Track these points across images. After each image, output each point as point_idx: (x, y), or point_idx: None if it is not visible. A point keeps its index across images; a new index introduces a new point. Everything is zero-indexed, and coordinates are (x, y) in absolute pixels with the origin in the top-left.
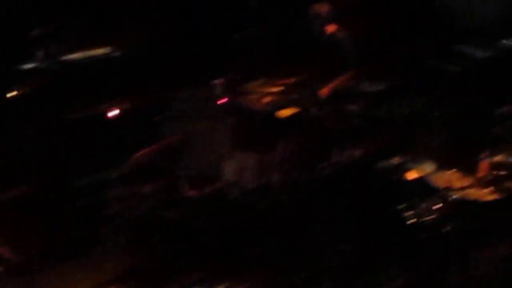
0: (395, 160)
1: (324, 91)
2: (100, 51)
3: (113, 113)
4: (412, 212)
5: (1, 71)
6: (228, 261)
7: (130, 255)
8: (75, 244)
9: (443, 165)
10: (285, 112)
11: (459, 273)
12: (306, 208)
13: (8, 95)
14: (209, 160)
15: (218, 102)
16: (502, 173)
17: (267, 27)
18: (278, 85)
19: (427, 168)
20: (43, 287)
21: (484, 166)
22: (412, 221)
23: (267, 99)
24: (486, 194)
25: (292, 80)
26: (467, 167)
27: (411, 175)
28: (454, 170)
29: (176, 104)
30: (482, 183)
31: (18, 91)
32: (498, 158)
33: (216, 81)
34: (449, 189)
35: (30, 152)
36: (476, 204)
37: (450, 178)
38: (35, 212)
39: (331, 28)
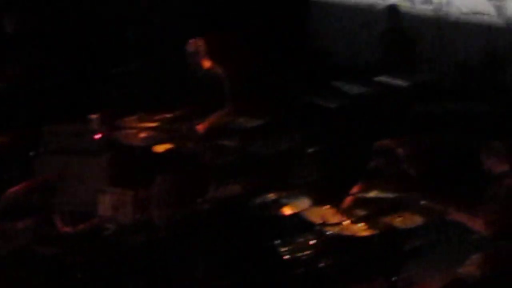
0: (271, 196)
1: (201, 127)
2: None
3: None
4: (288, 248)
5: None
6: None
7: None
8: None
9: (318, 201)
10: (161, 148)
11: None
12: (183, 244)
13: None
14: (84, 195)
15: (94, 137)
16: (376, 209)
17: (144, 62)
18: (154, 120)
19: (302, 204)
20: None
21: (348, 201)
22: (287, 256)
23: (143, 134)
24: (360, 230)
25: (168, 115)
26: (342, 203)
27: (287, 210)
28: (328, 206)
29: (51, 139)
30: (356, 219)
31: None
32: (371, 194)
33: (92, 116)
34: (324, 224)
35: None
36: (351, 239)
37: (325, 214)
38: None
39: (207, 64)
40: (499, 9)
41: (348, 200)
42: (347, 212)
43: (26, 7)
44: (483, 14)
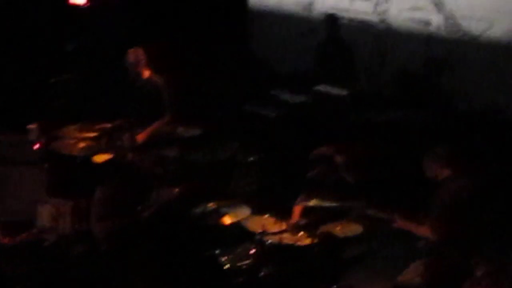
0: (211, 205)
1: (140, 136)
2: None
3: None
4: (228, 257)
5: None
6: None
7: None
8: None
9: (258, 210)
10: (101, 158)
11: None
12: (123, 254)
13: None
14: (23, 206)
15: (33, 147)
16: (315, 218)
17: (83, 72)
18: (94, 130)
19: (242, 213)
20: None
21: (297, 211)
22: (228, 266)
23: (82, 144)
24: (301, 239)
25: (108, 125)
26: (282, 212)
27: (227, 220)
28: (268, 215)
29: None
30: (296, 228)
31: None
32: (311, 202)
33: (31, 126)
34: (264, 233)
35: None
36: (291, 248)
37: (265, 223)
38: None
39: (146, 74)
40: (438, 6)
41: (297, 210)
42: (287, 221)
43: None
44: (422, 9)
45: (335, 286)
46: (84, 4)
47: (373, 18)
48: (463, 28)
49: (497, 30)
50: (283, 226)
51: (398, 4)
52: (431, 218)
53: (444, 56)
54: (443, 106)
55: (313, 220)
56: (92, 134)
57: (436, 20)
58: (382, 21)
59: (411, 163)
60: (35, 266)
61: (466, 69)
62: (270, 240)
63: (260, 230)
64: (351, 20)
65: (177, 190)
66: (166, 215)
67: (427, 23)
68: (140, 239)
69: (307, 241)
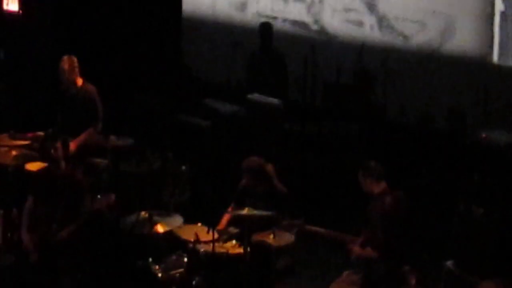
0: (143, 214)
1: (73, 145)
2: None
3: None
4: (160, 266)
5: None
6: None
7: None
8: None
9: (190, 219)
10: (33, 166)
11: None
12: (53, 265)
13: None
14: None
15: None
16: (248, 226)
17: (14, 80)
18: (26, 139)
19: (175, 221)
20: None
21: (225, 219)
22: (160, 275)
23: (14, 153)
24: (233, 248)
25: (40, 133)
26: (214, 221)
27: (159, 228)
28: (200, 224)
29: None
30: (225, 236)
31: None
32: (244, 211)
33: None
34: (196, 242)
35: None
36: (224, 257)
37: (198, 232)
38: None
39: (79, 82)
40: (370, 7)
41: (224, 218)
42: (221, 230)
43: None
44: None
45: None
46: (17, 12)
47: (307, 19)
48: (396, 29)
49: (429, 32)
50: (216, 235)
51: (331, 5)
52: (367, 232)
53: (376, 66)
54: (373, 119)
55: (245, 229)
56: (24, 142)
57: (368, 21)
58: (316, 22)
59: (346, 174)
60: None
61: (399, 77)
62: (203, 249)
63: (192, 239)
64: (285, 22)
65: (109, 199)
66: (97, 224)
67: (360, 24)
68: (72, 249)
69: (240, 250)
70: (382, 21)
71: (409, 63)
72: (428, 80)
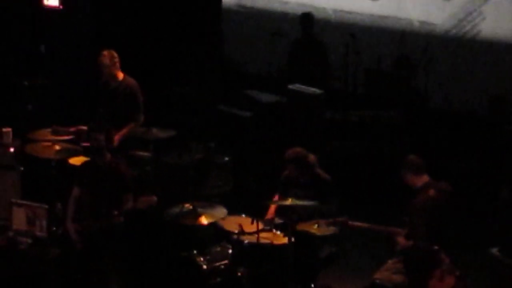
0: (187, 206)
1: (115, 138)
2: None
3: None
4: (205, 257)
5: None
6: None
7: None
8: None
9: (234, 210)
10: (76, 160)
11: None
12: (99, 256)
13: None
14: None
15: (8, 150)
16: (291, 216)
17: (56, 76)
18: (68, 133)
19: (219, 213)
20: None
21: (271, 209)
22: (205, 266)
23: (57, 147)
24: (278, 238)
25: (82, 127)
26: (258, 212)
27: (203, 220)
28: (244, 215)
29: None
30: (272, 226)
31: None
32: (287, 202)
33: (5, 130)
34: (241, 233)
35: None
36: (268, 247)
37: (242, 223)
38: None
39: (120, 76)
40: None
41: (272, 208)
42: (268, 220)
43: None
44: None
45: (312, 285)
46: (57, 7)
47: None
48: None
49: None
50: (260, 225)
51: None
52: (411, 223)
53: (417, 53)
54: (416, 104)
55: (289, 219)
56: (66, 137)
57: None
58: (355, 10)
59: (386, 162)
60: (11, 270)
61: (440, 64)
62: (247, 239)
63: (237, 230)
64: (324, 11)
65: (151, 200)
66: (142, 216)
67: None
68: (117, 240)
69: (284, 240)
70: None
71: (450, 50)
72: (470, 67)
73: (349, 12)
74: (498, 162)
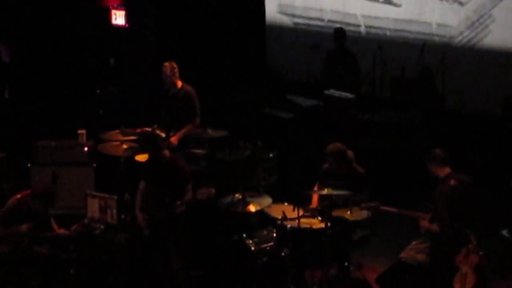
0: (238, 196)
1: (175, 138)
2: None
3: None
4: (253, 240)
5: None
6: None
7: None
8: None
9: (278, 199)
10: (142, 157)
11: None
12: (163, 240)
13: None
14: (75, 200)
15: (82, 149)
16: (328, 204)
17: (124, 84)
18: (134, 134)
19: (265, 202)
20: None
21: (315, 198)
22: (254, 247)
23: (125, 146)
24: (316, 223)
25: (147, 128)
26: (298, 200)
27: (251, 208)
28: (287, 203)
29: (44, 152)
30: (312, 213)
31: None
32: (325, 191)
33: (80, 131)
34: (284, 219)
35: None
36: (308, 231)
37: (285, 210)
38: None
39: (179, 84)
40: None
41: (315, 197)
42: (304, 208)
43: (22, 38)
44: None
45: (346, 263)
46: (124, 25)
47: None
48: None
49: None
50: (300, 212)
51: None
52: (435, 210)
53: (436, 61)
54: (436, 106)
55: (326, 206)
56: (133, 137)
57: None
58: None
59: (414, 158)
60: (86, 252)
61: (456, 71)
62: (289, 224)
63: (280, 216)
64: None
65: (209, 192)
66: (200, 205)
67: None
68: (177, 227)
69: (321, 224)
70: None
71: (465, 59)
72: (483, 72)
73: (377, 28)
74: (508, 156)
